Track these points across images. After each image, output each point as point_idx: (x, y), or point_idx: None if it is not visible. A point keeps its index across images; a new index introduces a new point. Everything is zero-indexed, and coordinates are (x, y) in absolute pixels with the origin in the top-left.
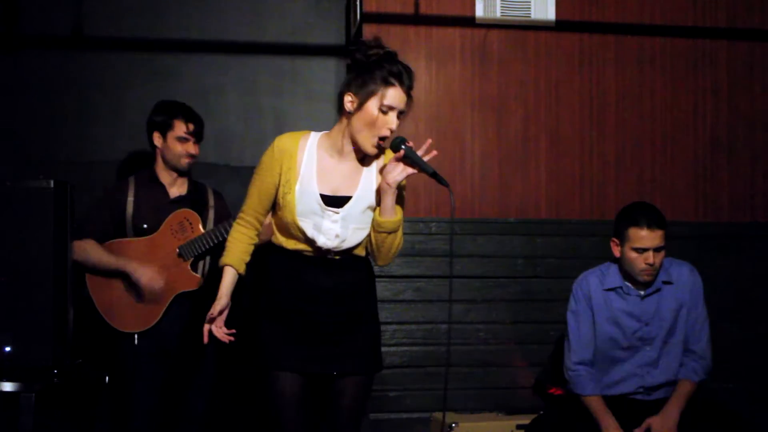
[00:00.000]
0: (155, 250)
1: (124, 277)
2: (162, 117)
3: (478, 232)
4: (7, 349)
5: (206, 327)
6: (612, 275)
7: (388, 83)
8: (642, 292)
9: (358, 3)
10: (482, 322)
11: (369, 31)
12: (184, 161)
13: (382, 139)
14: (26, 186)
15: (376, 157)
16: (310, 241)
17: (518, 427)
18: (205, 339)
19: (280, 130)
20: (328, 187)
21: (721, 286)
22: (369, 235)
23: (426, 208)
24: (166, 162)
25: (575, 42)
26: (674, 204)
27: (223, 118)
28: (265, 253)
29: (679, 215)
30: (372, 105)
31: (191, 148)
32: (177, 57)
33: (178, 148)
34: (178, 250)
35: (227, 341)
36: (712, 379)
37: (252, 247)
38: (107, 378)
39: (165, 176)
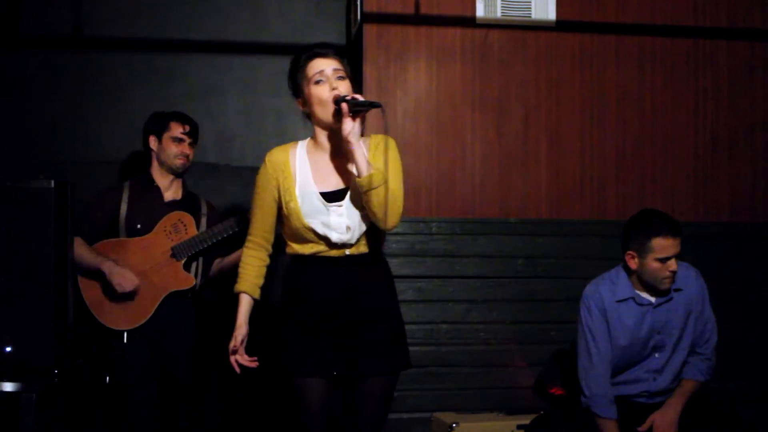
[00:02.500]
0: (149, 249)
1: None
2: (158, 121)
3: (479, 232)
4: (8, 349)
5: (232, 359)
6: (622, 285)
7: (307, 60)
8: (653, 301)
9: (358, 3)
10: (482, 322)
11: (369, 31)
12: (179, 161)
13: (336, 103)
14: (26, 186)
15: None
16: (325, 240)
17: (518, 427)
18: (237, 370)
19: (280, 130)
20: (326, 185)
21: (721, 286)
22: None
23: (426, 208)
24: (161, 163)
25: (575, 42)
26: (674, 204)
27: (223, 118)
28: (279, 263)
29: (680, 215)
30: (308, 86)
31: (186, 149)
32: (177, 57)
33: (174, 149)
34: (171, 251)
35: (254, 366)
36: (712, 379)
37: (264, 269)
38: (108, 378)
39: (161, 179)
